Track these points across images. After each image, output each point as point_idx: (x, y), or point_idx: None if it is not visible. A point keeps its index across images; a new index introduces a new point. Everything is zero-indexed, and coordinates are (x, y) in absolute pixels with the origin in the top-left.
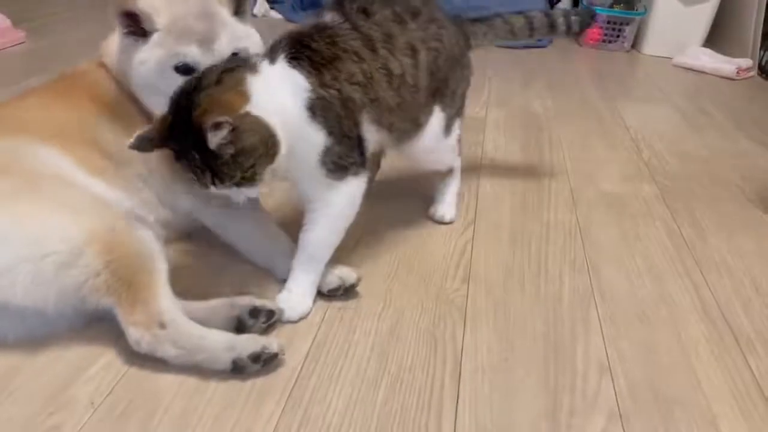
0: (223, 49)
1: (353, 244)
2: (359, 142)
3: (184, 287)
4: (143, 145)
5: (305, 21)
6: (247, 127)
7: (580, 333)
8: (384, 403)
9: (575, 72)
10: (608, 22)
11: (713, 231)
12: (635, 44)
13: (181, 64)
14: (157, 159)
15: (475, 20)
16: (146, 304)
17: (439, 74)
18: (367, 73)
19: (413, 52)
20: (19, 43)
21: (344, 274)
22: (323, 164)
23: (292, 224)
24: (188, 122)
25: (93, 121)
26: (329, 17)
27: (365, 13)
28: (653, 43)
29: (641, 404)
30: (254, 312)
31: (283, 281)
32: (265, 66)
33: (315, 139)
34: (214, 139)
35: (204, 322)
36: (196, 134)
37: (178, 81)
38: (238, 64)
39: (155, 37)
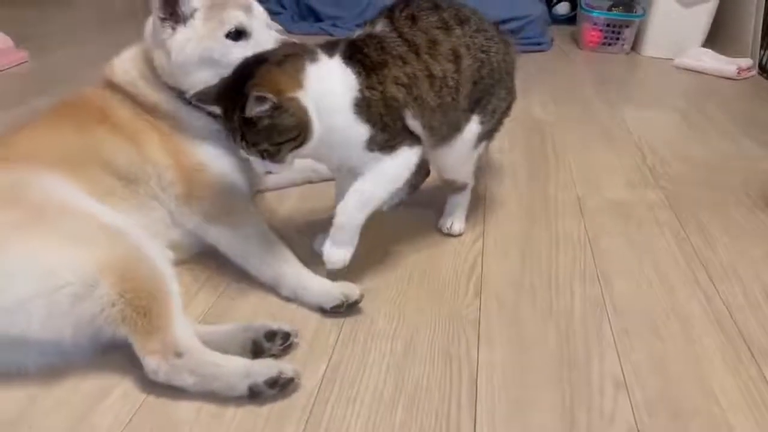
0: (260, 12)
1: (364, 255)
2: (405, 128)
3: (197, 311)
4: (204, 97)
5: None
6: (289, 110)
7: (594, 347)
8: (402, 425)
9: (576, 75)
10: (607, 25)
11: (721, 237)
12: (635, 46)
13: (233, 29)
14: (171, 176)
15: None
16: (162, 333)
17: (482, 85)
18: (411, 75)
19: (456, 57)
20: (22, 63)
21: (347, 290)
22: (371, 149)
23: (303, 235)
24: (242, 88)
25: (101, 145)
26: (380, 26)
27: (412, 19)
28: (653, 45)
29: (658, 419)
30: (270, 335)
31: (287, 299)
32: (323, 58)
33: (359, 130)
34: (253, 109)
35: (220, 347)
36: (243, 99)
37: (232, 48)
38: (300, 51)
39: (198, 14)
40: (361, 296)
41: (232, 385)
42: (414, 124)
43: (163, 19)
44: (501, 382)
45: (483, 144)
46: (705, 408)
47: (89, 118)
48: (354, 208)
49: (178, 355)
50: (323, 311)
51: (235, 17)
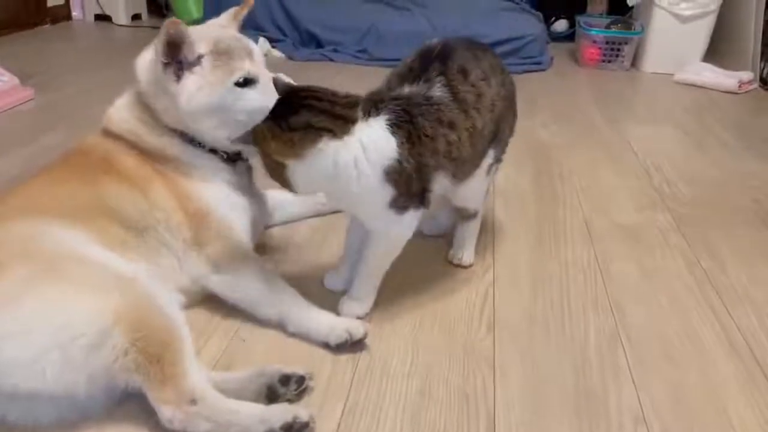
0: (260, 55)
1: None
2: (423, 192)
3: (210, 353)
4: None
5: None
6: (319, 150)
7: (610, 379)
8: None
9: (577, 94)
10: (606, 43)
11: (731, 260)
12: (635, 62)
13: (242, 78)
14: (178, 219)
15: None
16: (175, 381)
17: (499, 120)
18: (455, 141)
19: (493, 106)
20: (28, 101)
21: (352, 327)
22: (390, 207)
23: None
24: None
25: (109, 195)
26: (437, 88)
27: (464, 73)
28: (653, 61)
29: None
30: (284, 379)
31: (293, 334)
32: (361, 123)
33: (383, 191)
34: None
35: (235, 394)
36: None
37: (242, 96)
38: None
39: (206, 61)
40: (366, 333)
41: (248, 431)
42: (442, 182)
43: (166, 65)
44: (519, 420)
45: (494, 168)
46: None
47: (94, 170)
48: (366, 274)
49: (193, 402)
50: (329, 347)
51: (244, 67)
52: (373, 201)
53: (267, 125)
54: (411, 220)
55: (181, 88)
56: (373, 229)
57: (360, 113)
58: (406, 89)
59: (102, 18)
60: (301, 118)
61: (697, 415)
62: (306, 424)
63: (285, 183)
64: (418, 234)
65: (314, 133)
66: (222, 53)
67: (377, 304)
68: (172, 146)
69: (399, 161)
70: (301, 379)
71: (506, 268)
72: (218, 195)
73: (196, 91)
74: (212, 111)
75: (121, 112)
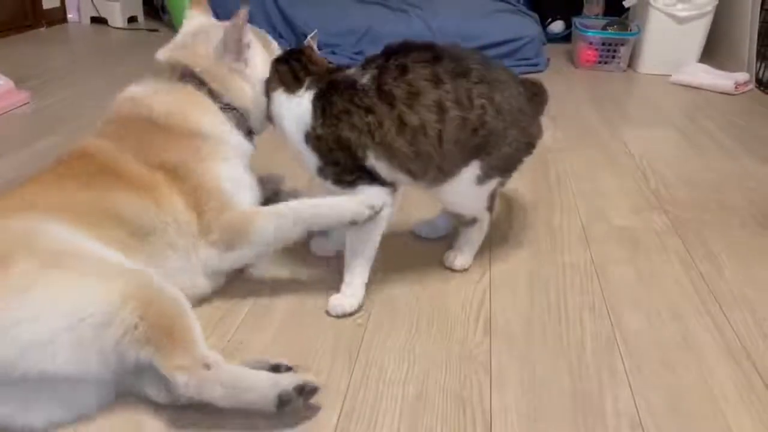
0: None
1: (372, 288)
2: (361, 168)
3: None
4: None
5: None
6: (277, 94)
7: (607, 385)
8: None
9: (574, 96)
10: (603, 44)
11: (728, 263)
12: (631, 63)
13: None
14: (186, 221)
15: None
16: (188, 348)
17: (482, 131)
18: (373, 123)
19: (440, 109)
20: (24, 104)
21: (371, 200)
22: (324, 177)
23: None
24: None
25: (112, 197)
26: (367, 77)
27: (402, 70)
28: (649, 62)
29: None
30: (274, 369)
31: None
32: (302, 91)
33: (308, 155)
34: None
35: None
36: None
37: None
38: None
39: (253, 43)
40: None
41: (262, 395)
42: (379, 165)
43: (236, 56)
44: (515, 424)
45: (493, 181)
46: None
47: (99, 172)
48: (349, 257)
49: (206, 367)
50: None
51: (271, 40)
52: (307, 162)
53: (272, 64)
54: (369, 195)
55: (252, 69)
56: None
57: (306, 83)
58: (348, 71)
59: (98, 21)
60: (281, 66)
61: (695, 420)
62: (316, 389)
63: (269, 117)
64: (415, 237)
65: (277, 80)
66: (255, 34)
67: (372, 308)
68: (214, 120)
69: (313, 128)
70: (288, 369)
71: (503, 271)
72: (232, 174)
73: (263, 66)
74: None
75: (161, 96)
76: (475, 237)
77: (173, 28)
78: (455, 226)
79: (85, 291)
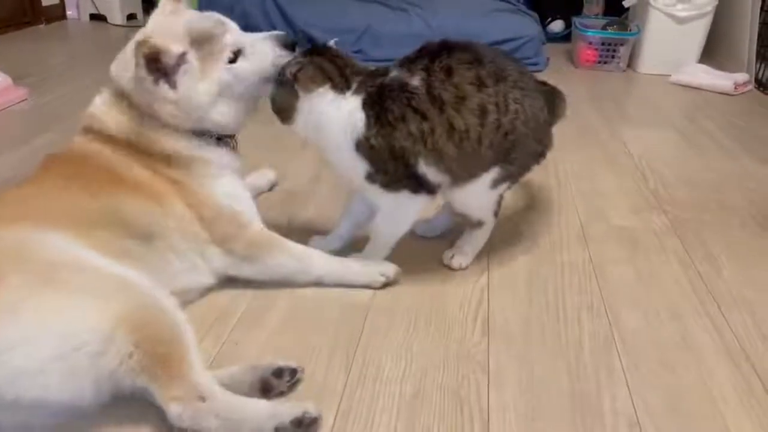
0: (231, 23)
1: (369, 292)
2: (411, 175)
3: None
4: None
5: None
6: (320, 93)
7: (605, 384)
8: None
9: (573, 95)
10: (602, 44)
11: (727, 263)
12: (631, 63)
13: (231, 55)
14: (192, 229)
15: None
16: (183, 378)
17: (512, 136)
18: (427, 130)
19: (482, 112)
20: (22, 101)
21: (385, 270)
22: (372, 182)
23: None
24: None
25: (109, 201)
26: (417, 79)
27: (448, 73)
28: (649, 62)
29: None
30: (278, 372)
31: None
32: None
33: (356, 163)
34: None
35: (228, 388)
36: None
37: (238, 70)
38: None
39: (190, 56)
40: (398, 273)
41: (258, 427)
42: (429, 170)
43: (155, 80)
44: (513, 424)
45: (504, 186)
46: None
47: (96, 177)
48: (372, 250)
49: (201, 399)
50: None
51: (226, 44)
52: (352, 168)
53: (306, 59)
54: (408, 200)
55: (181, 93)
56: (373, 203)
57: (354, 85)
58: (392, 74)
59: (97, 18)
60: (326, 64)
61: (693, 420)
62: (315, 420)
63: (288, 116)
64: (413, 236)
65: (321, 77)
66: (200, 41)
67: (370, 307)
68: (181, 143)
69: (367, 137)
70: (293, 372)
71: (501, 270)
72: (228, 190)
73: (197, 87)
74: (218, 98)
75: (113, 114)
76: (478, 239)
77: None
78: (455, 226)
79: (79, 315)
